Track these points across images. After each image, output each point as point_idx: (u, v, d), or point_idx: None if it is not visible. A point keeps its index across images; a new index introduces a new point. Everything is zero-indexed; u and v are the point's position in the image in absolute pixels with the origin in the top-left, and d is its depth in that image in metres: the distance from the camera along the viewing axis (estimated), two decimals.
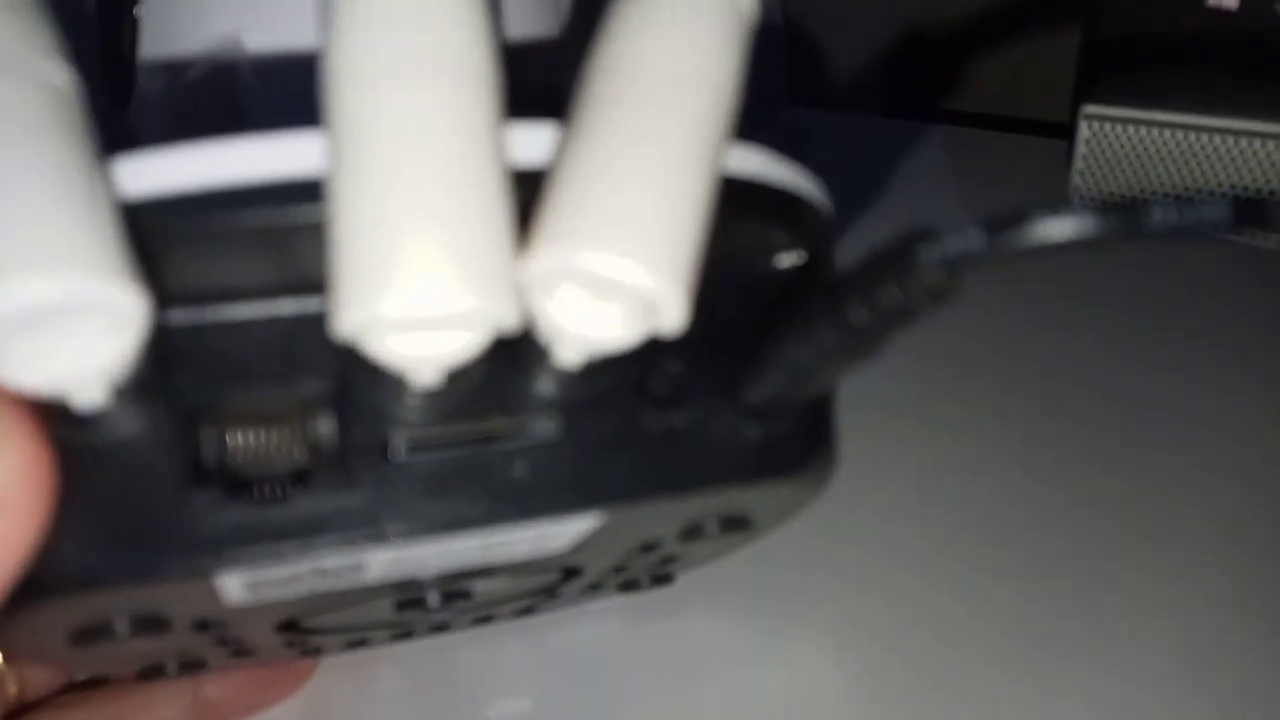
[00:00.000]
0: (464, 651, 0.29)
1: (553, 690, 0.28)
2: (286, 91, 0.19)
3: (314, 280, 0.16)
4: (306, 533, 0.16)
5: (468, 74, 0.14)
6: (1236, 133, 0.33)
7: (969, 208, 0.40)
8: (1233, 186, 0.34)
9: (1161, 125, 0.34)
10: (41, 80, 0.13)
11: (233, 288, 0.16)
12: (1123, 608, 0.29)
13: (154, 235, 0.15)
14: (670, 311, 0.14)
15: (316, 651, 0.26)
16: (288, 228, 0.15)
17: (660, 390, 0.18)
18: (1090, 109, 0.35)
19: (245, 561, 0.16)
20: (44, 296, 0.12)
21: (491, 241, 0.14)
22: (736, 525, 0.20)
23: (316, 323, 0.17)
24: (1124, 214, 0.13)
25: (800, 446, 0.18)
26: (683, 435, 0.18)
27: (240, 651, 0.23)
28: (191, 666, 0.23)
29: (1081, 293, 0.36)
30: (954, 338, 0.35)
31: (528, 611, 0.26)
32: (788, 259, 0.19)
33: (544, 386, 0.17)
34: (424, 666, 0.29)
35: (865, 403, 0.27)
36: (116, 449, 0.15)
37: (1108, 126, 0.35)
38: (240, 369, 0.16)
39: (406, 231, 0.13)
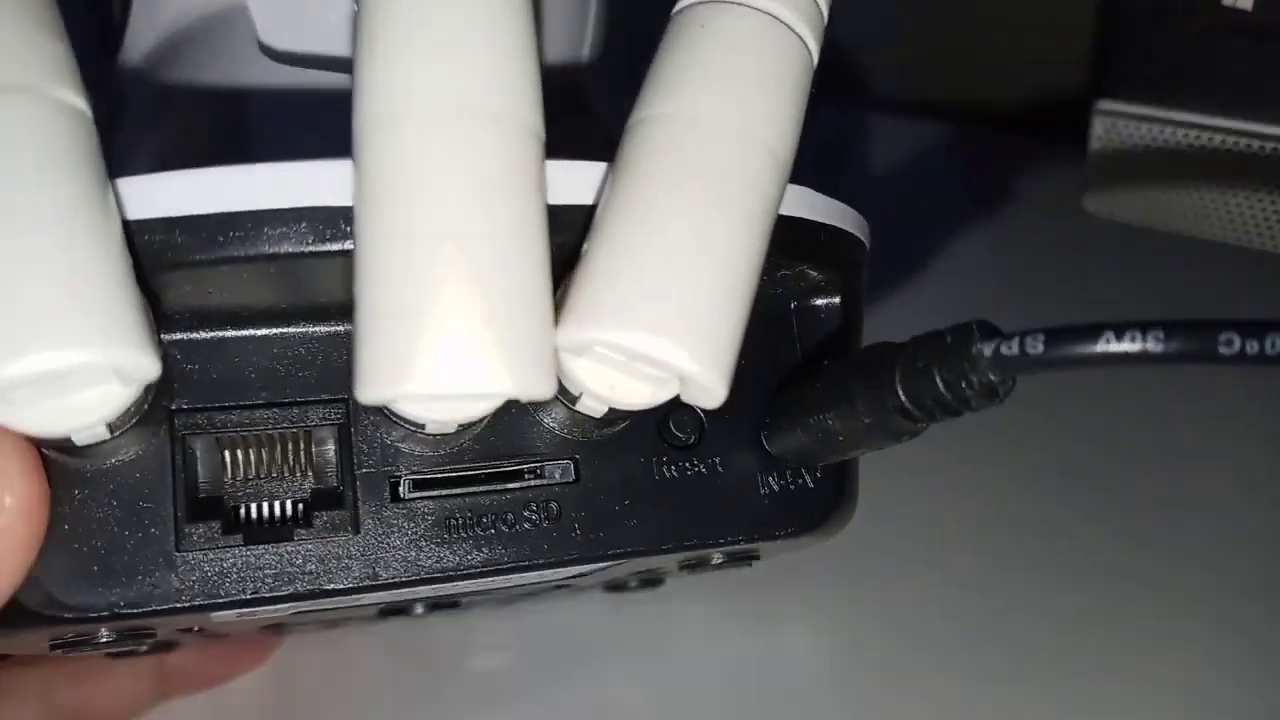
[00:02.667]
0: (438, 622, 0.28)
1: (527, 657, 0.28)
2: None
3: (323, 306, 0.15)
4: (307, 578, 0.15)
5: (513, 124, 0.13)
6: (1250, 135, 0.33)
7: (982, 210, 0.39)
8: (1246, 190, 0.34)
9: (1175, 124, 0.34)
10: (64, 106, 0.12)
11: (239, 311, 0.15)
12: (1092, 599, 0.29)
13: (163, 258, 0.14)
14: (711, 395, 0.14)
15: (291, 633, 0.25)
16: (299, 258, 0.14)
17: (681, 433, 0.17)
18: (1104, 104, 0.34)
19: (240, 605, 0.15)
20: (56, 364, 0.11)
21: (531, 316, 0.13)
22: (741, 559, 0.20)
23: (324, 350, 0.16)
24: (1192, 337, 0.13)
25: (821, 503, 0.18)
26: (700, 484, 0.17)
27: (215, 636, 0.22)
28: (163, 647, 0.22)
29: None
30: None
31: (507, 604, 0.26)
32: (822, 298, 0.18)
33: (562, 429, 0.16)
34: (396, 635, 0.28)
35: None
36: (112, 475, 0.15)
37: (1121, 123, 0.34)
38: (242, 394, 0.15)
39: (443, 309, 0.12)
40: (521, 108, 0.13)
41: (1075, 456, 0.32)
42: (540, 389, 0.13)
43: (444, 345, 0.12)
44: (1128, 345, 0.13)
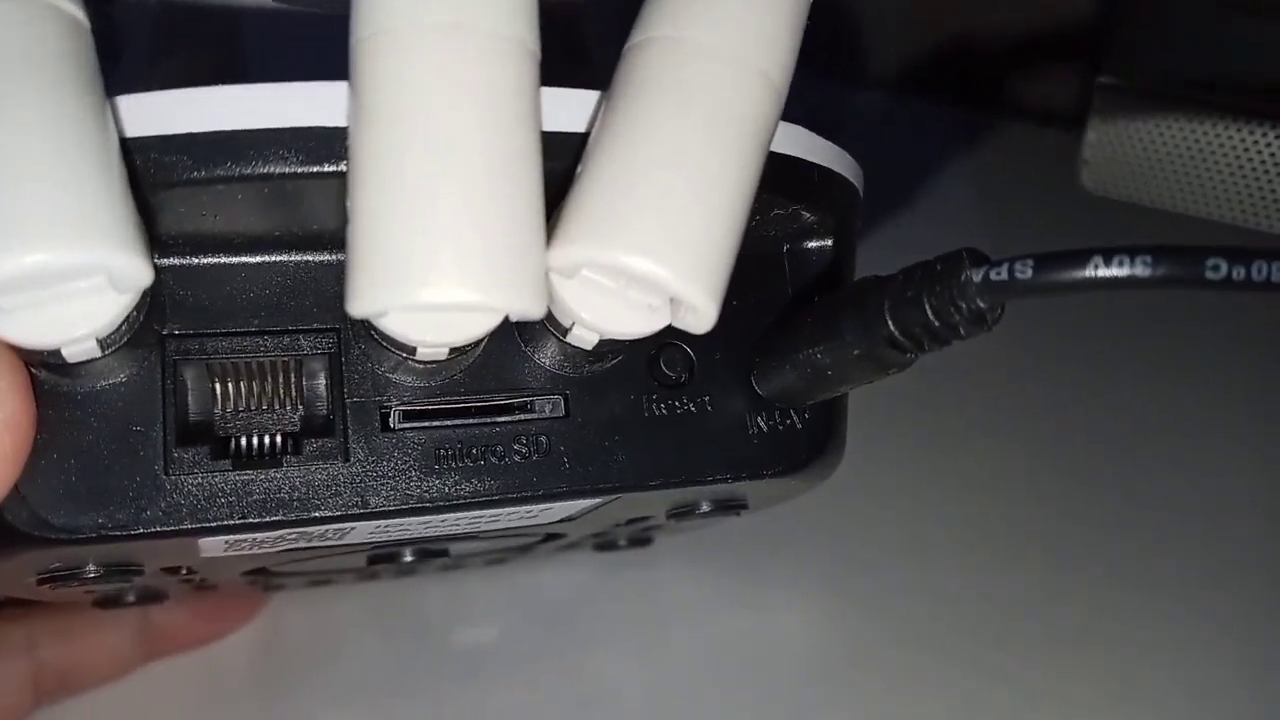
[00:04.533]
0: (428, 584, 0.28)
1: (517, 626, 0.28)
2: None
3: (316, 234, 0.16)
4: (295, 505, 0.15)
5: (510, 42, 0.13)
6: (1249, 112, 0.33)
7: (979, 189, 0.39)
8: (1245, 168, 0.34)
9: (1175, 101, 0.34)
10: (63, 13, 0.12)
11: (233, 238, 0.15)
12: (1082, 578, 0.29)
13: (157, 176, 0.14)
14: (700, 317, 0.14)
15: (279, 588, 0.25)
16: (293, 179, 0.14)
17: (671, 371, 0.17)
18: (1104, 81, 0.35)
19: (228, 530, 0.15)
20: (52, 263, 0.11)
21: (523, 232, 0.13)
22: (730, 508, 0.20)
23: (316, 279, 0.16)
24: (1179, 261, 0.13)
25: (808, 443, 0.18)
26: (689, 422, 0.17)
27: (202, 587, 0.22)
28: (150, 598, 0.22)
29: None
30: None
31: (499, 562, 0.26)
32: (814, 241, 0.18)
33: (553, 363, 0.16)
34: (386, 598, 0.28)
35: None
36: (102, 397, 0.15)
37: (1121, 99, 0.34)
38: (234, 321, 0.15)
39: (437, 219, 0.12)
40: (518, 26, 0.13)
41: (1075, 448, 0.32)
42: (530, 305, 0.13)
43: (436, 255, 0.12)
44: (1115, 270, 0.13)
